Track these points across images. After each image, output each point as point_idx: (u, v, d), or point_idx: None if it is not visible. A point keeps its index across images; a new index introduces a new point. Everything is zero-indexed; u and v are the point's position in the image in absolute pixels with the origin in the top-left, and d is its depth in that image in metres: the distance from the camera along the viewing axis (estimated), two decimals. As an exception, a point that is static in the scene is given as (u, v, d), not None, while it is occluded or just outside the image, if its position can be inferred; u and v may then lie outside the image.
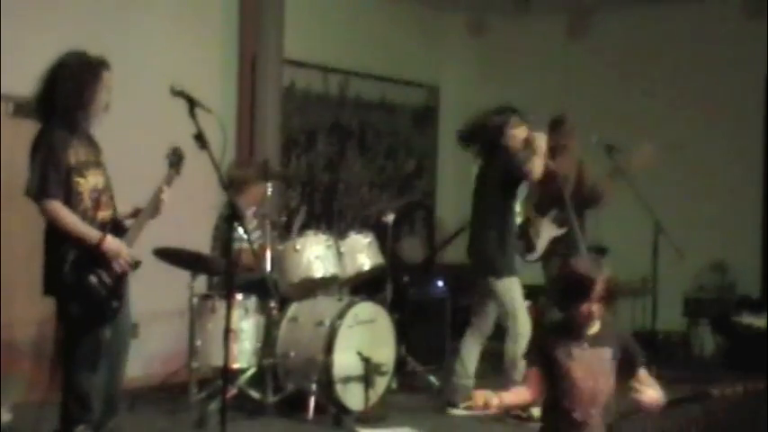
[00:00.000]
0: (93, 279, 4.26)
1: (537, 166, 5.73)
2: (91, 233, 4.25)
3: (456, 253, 8.88)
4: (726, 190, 8.13)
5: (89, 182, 4.31)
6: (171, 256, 5.50)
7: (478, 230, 5.88)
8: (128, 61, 6.41)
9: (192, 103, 4.33)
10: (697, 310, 7.92)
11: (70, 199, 4.24)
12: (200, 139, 4.26)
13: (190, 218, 6.25)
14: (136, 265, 4.44)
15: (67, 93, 4.26)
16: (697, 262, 7.85)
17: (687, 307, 7.95)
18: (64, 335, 4.36)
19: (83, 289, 4.24)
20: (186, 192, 6.43)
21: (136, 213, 4.52)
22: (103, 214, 4.36)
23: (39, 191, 4.21)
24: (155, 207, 4.48)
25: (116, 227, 4.41)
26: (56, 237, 4.25)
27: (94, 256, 4.25)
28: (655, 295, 6.74)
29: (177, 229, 5.97)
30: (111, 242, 4.29)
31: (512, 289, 5.75)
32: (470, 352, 5.84)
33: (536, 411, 5.59)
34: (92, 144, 4.43)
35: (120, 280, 4.37)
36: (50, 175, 4.19)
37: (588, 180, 7.10)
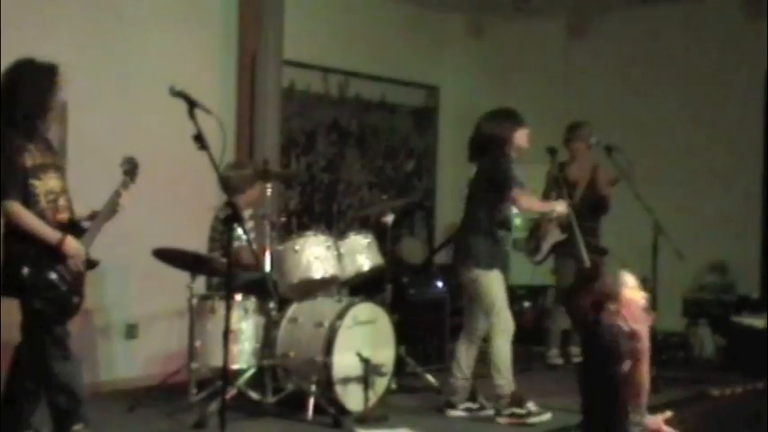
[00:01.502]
0: (53, 275, 4.32)
1: (527, 203, 5.77)
2: (51, 233, 4.31)
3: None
4: (726, 190, 8.13)
5: (45, 184, 4.36)
6: (170, 256, 5.50)
7: (466, 226, 5.80)
8: (127, 62, 6.44)
9: (191, 104, 4.34)
10: (697, 310, 7.92)
11: (27, 200, 4.30)
12: (199, 139, 4.27)
13: (188, 218, 6.26)
14: (92, 264, 4.52)
15: (26, 101, 4.33)
16: (697, 262, 7.84)
17: (687, 307, 7.95)
18: (29, 334, 4.39)
19: (43, 285, 4.29)
20: (185, 192, 6.46)
21: (92, 216, 4.57)
22: (61, 216, 4.41)
23: None
24: (112, 209, 4.56)
25: (74, 228, 4.46)
26: (14, 235, 4.31)
27: (53, 254, 4.31)
28: (654, 295, 6.72)
29: (175, 229, 5.98)
30: (71, 242, 4.35)
31: (494, 283, 5.64)
32: (466, 353, 5.79)
33: (532, 406, 5.59)
34: (49, 148, 4.49)
35: (79, 277, 4.43)
36: (9, 177, 4.26)
37: (602, 186, 7.13)
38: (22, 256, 4.28)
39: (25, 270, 4.26)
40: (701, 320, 7.94)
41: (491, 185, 5.67)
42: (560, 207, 5.96)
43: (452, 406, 5.73)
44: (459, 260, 5.80)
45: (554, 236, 7.22)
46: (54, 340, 4.35)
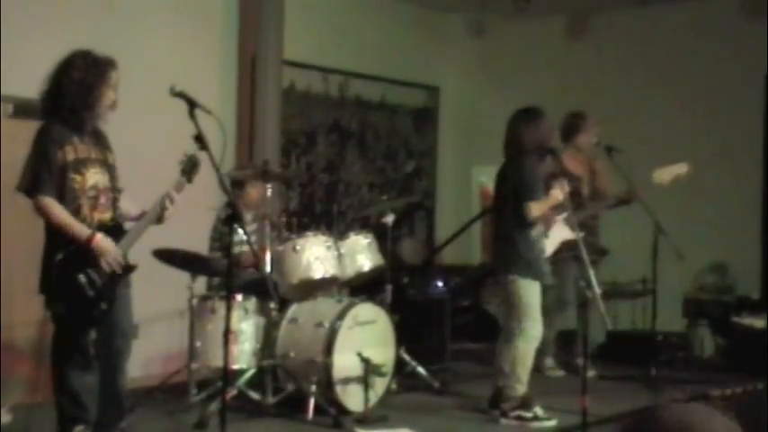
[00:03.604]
0: (81, 279, 4.23)
1: (537, 211, 5.54)
2: (80, 229, 4.22)
3: (455, 254, 8.89)
4: (726, 190, 8.13)
5: (87, 180, 4.29)
6: (170, 256, 5.50)
7: (500, 231, 5.72)
8: (127, 62, 6.38)
9: (191, 105, 4.33)
10: (697, 310, 7.91)
11: (64, 196, 4.23)
12: (199, 140, 4.27)
13: (189, 219, 6.24)
14: (129, 268, 4.40)
15: (73, 93, 4.25)
16: (697, 263, 7.84)
17: (687, 308, 7.93)
18: (53, 333, 4.35)
19: (71, 288, 4.21)
20: (185, 192, 6.44)
21: (141, 216, 4.48)
22: (101, 215, 4.33)
23: (30, 187, 4.22)
24: (159, 213, 4.42)
25: (115, 229, 4.37)
26: (52, 235, 4.25)
27: (85, 256, 4.22)
28: (655, 296, 6.72)
29: (176, 230, 5.96)
30: (101, 240, 4.25)
31: (529, 290, 5.56)
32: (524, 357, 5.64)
33: (539, 411, 5.58)
34: (99, 143, 4.40)
35: (111, 282, 4.33)
36: (43, 171, 4.19)
37: (605, 179, 7.03)
38: (54, 255, 4.21)
39: (54, 271, 4.20)
40: (702, 321, 7.93)
41: (516, 191, 5.58)
42: (559, 194, 5.65)
43: (503, 413, 5.60)
44: (494, 265, 5.73)
45: (561, 233, 6.92)
46: (75, 347, 4.28)
